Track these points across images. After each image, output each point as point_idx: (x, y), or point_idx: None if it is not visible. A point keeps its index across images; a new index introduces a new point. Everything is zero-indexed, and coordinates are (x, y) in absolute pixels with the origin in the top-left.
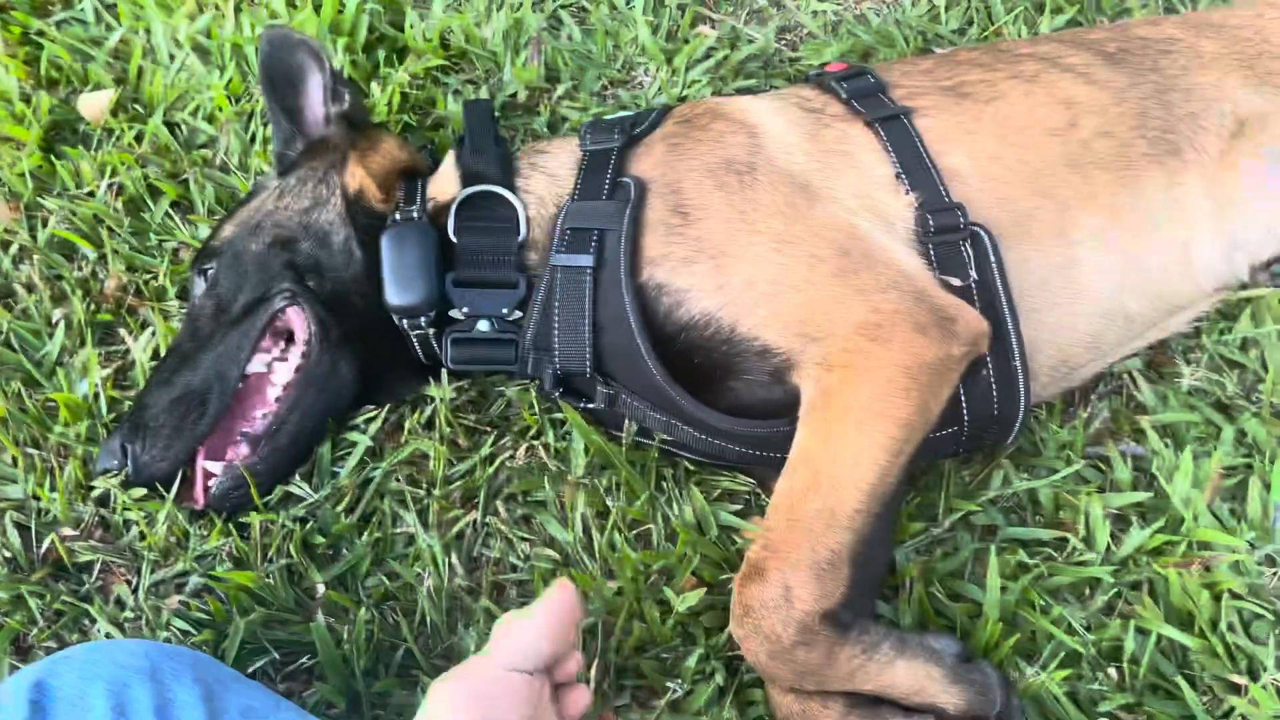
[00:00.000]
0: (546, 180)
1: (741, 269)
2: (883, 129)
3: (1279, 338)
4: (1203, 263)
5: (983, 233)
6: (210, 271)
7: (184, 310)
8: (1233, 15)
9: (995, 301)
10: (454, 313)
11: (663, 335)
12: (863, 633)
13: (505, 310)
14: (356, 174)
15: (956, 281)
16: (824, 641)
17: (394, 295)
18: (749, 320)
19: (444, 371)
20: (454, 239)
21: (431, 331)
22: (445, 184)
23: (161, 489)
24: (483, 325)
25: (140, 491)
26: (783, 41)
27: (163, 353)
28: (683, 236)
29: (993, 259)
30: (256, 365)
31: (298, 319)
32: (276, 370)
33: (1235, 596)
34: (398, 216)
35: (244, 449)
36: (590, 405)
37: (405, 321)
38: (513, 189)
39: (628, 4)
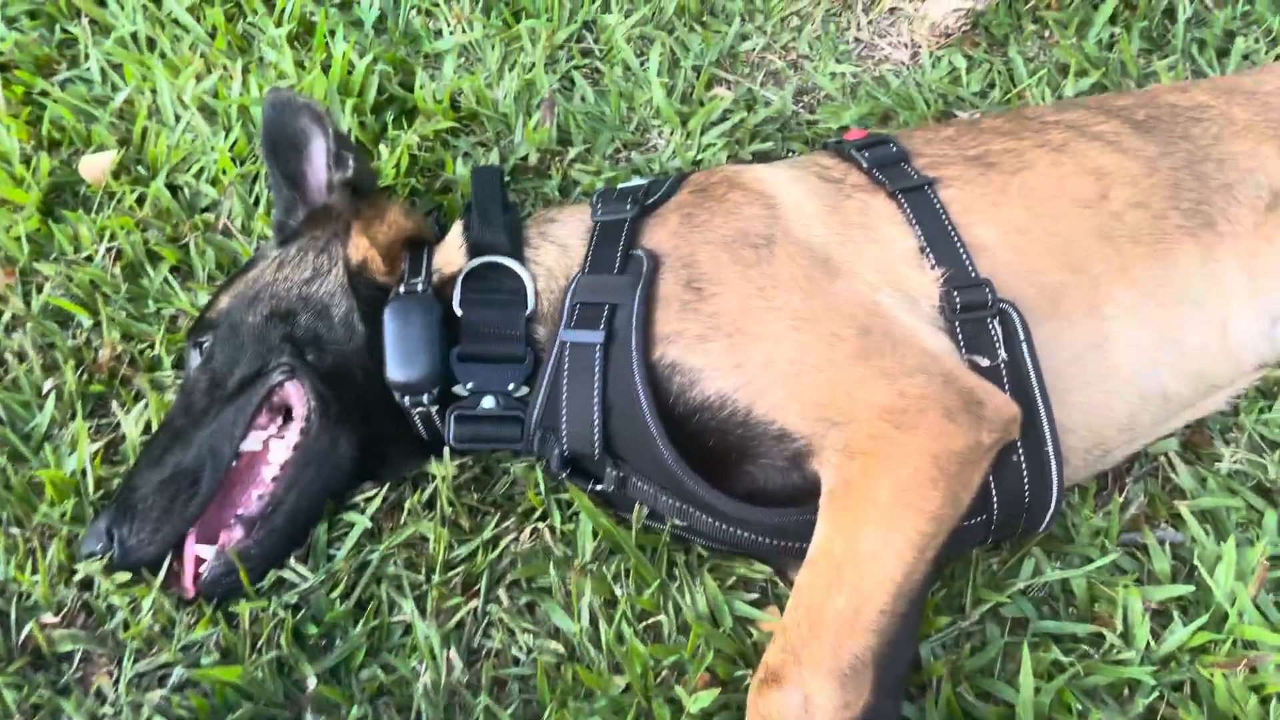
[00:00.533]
0: (557, 251)
1: (759, 348)
2: (906, 200)
3: None
4: (1241, 339)
5: (1011, 310)
6: (205, 344)
7: (179, 382)
8: (1266, 81)
9: (1025, 383)
10: (458, 388)
11: (675, 416)
12: None
13: (511, 386)
14: (360, 244)
15: (985, 362)
16: None
17: (396, 371)
18: (766, 402)
19: (446, 449)
20: (459, 312)
21: (434, 408)
22: (451, 255)
23: (148, 574)
24: (487, 402)
25: (125, 576)
26: (800, 104)
27: (154, 427)
28: (697, 313)
29: (1022, 337)
30: (252, 443)
31: (296, 394)
32: (273, 448)
33: None
34: (402, 289)
35: (238, 532)
36: (599, 487)
37: (407, 398)
38: (521, 260)
39: (642, 65)
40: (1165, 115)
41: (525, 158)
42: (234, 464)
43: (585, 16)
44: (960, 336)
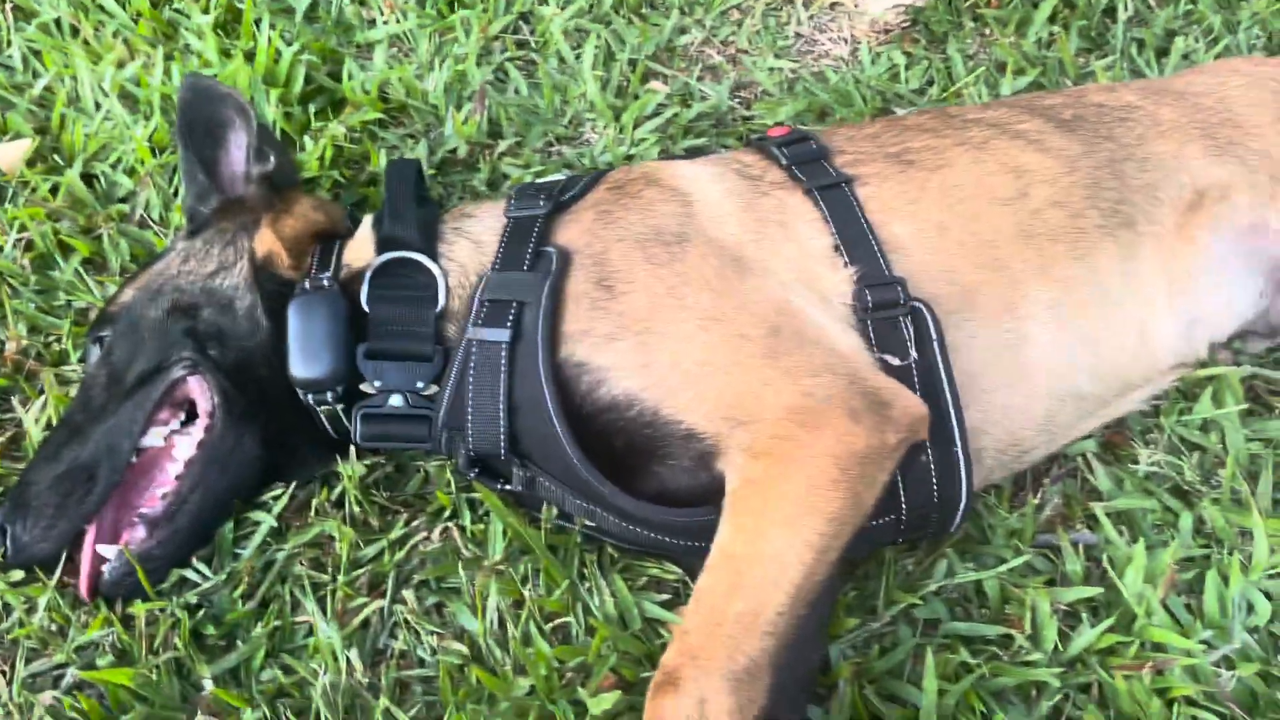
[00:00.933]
0: (470, 247)
1: (667, 347)
2: (823, 198)
3: (1240, 419)
4: (1160, 339)
5: (924, 309)
6: (106, 338)
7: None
8: (1195, 81)
9: (936, 383)
10: (365, 386)
11: (583, 415)
12: None
13: (420, 384)
14: (266, 237)
15: (896, 361)
16: None
17: (299, 368)
18: (673, 402)
19: (353, 448)
20: (367, 308)
21: (340, 406)
22: (361, 249)
23: (42, 572)
24: (395, 400)
25: (18, 574)
26: (737, 99)
27: (55, 424)
28: (606, 311)
29: (934, 336)
30: (153, 439)
31: (200, 390)
32: (178, 445)
33: (1190, 703)
34: (307, 284)
35: (140, 532)
36: (508, 487)
37: (311, 396)
38: (434, 256)
39: (577, 58)
40: (1091, 115)
41: (454, 150)
42: (134, 460)
43: (522, 8)
44: (872, 335)
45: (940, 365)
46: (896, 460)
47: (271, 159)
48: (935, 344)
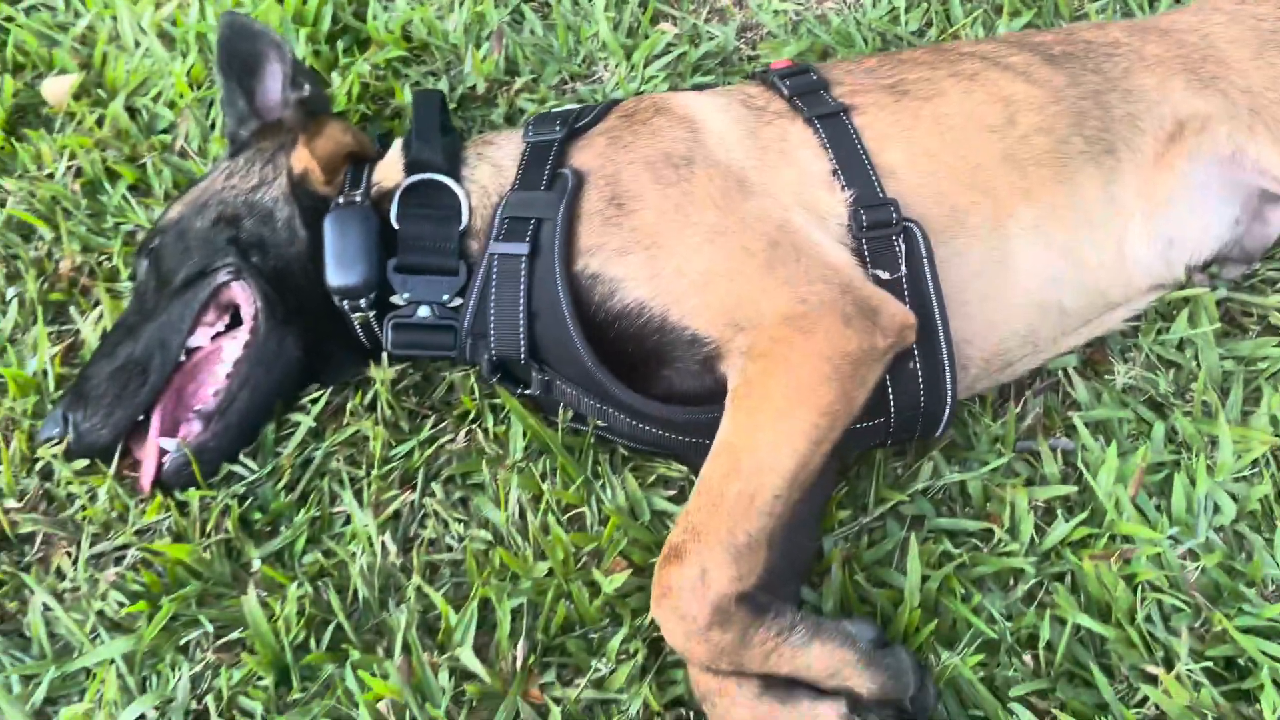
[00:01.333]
0: (492, 170)
1: (674, 259)
2: (822, 126)
3: (1213, 339)
4: (1137, 260)
5: (915, 228)
6: (154, 248)
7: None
8: (1179, 20)
9: (924, 295)
10: (395, 298)
11: (597, 323)
12: (778, 616)
13: (446, 297)
14: (302, 155)
15: (886, 275)
16: (738, 623)
17: (334, 276)
18: (680, 309)
19: (384, 355)
20: (396, 226)
21: (373, 314)
22: (390, 171)
23: (101, 461)
24: (423, 311)
25: (82, 463)
26: (743, 40)
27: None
28: (618, 227)
29: (924, 253)
30: (201, 339)
31: (243, 295)
32: (225, 348)
33: (1155, 589)
34: (340, 200)
35: (196, 426)
36: (527, 391)
37: (346, 303)
38: (458, 178)
39: (589, 0)
40: (1079, 50)
41: (473, 87)
42: (184, 359)
43: None
44: (866, 252)
45: (929, 279)
46: (885, 363)
47: (306, 87)
48: (925, 260)
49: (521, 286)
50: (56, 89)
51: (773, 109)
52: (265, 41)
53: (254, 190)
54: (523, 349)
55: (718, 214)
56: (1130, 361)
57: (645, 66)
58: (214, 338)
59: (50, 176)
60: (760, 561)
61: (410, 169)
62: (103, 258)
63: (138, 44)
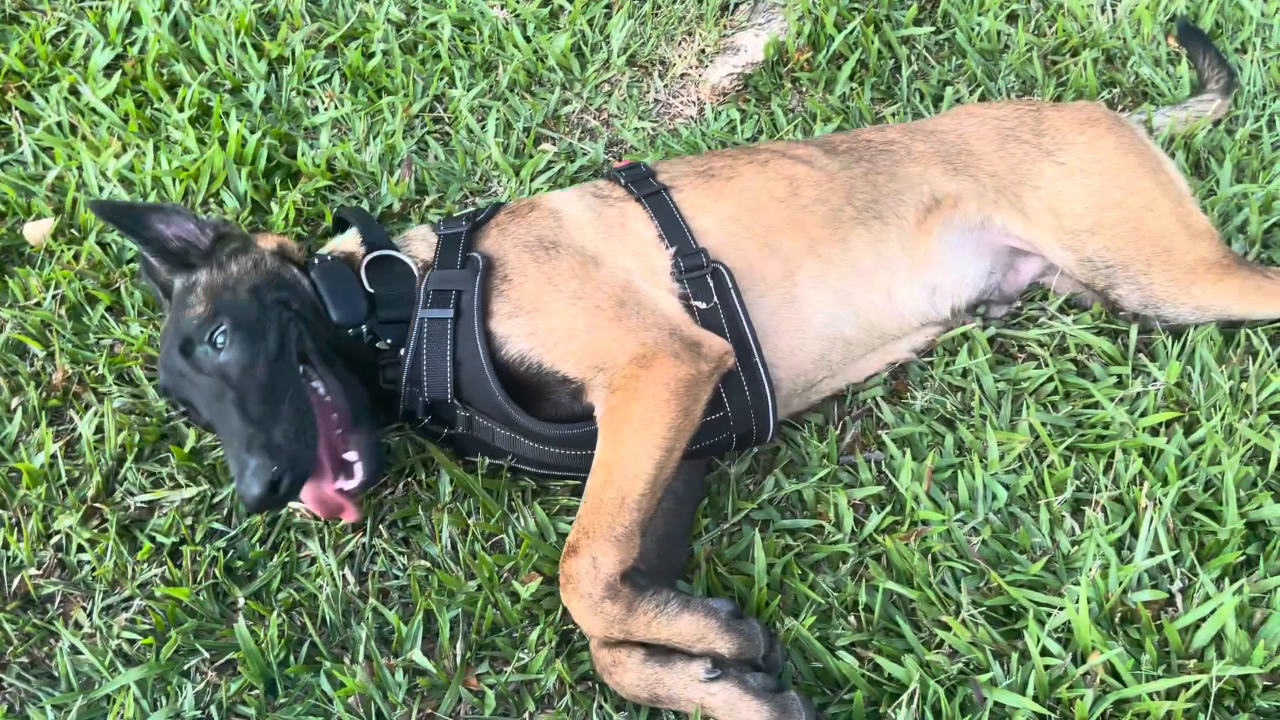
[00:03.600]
0: (423, 247)
1: (548, 320)
2: (648, 202)
3: (988, 366)
4: (904, 301)
5: (722, 269)
6: (221, 329)
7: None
8: (941, 123)
9: (738, 323)
10: (380, 343)
11: (495, 369)
12: (655, 593)
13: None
14: (267, 239)
15: (704, 305)
16: (624, 597)
17: (337, 313)
18: (552, 356)
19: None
20: (370, 290)
21: (369, 339)
22: (349, 245)
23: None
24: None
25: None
26: (610, 153)
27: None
28: (506, 297)
29: (730, 287)
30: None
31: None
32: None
33: (946, 559)
34: (316, 260)
35: (351, 452)
36: (453, 431)
37: (351, 332)
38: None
39: (482, 128)
40: (861, 146)
41: (390, 206)
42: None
43: (435, 91)
44: (688, 288)
45: (738, 307)
46: (713, 383)
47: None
48: (733, 292)
49: (448, 342)
50: (37, 231)
51: (615, 195)
52: (168, 211)
53: (257, 265)
54: (449, 391)
55: (577, 283)
56: (926, 388)
57: (532, 180)
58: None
59: (39, 304)
60: (636, 547)
61: (369, 247)
62: (89, 367)
63: (102, 189)
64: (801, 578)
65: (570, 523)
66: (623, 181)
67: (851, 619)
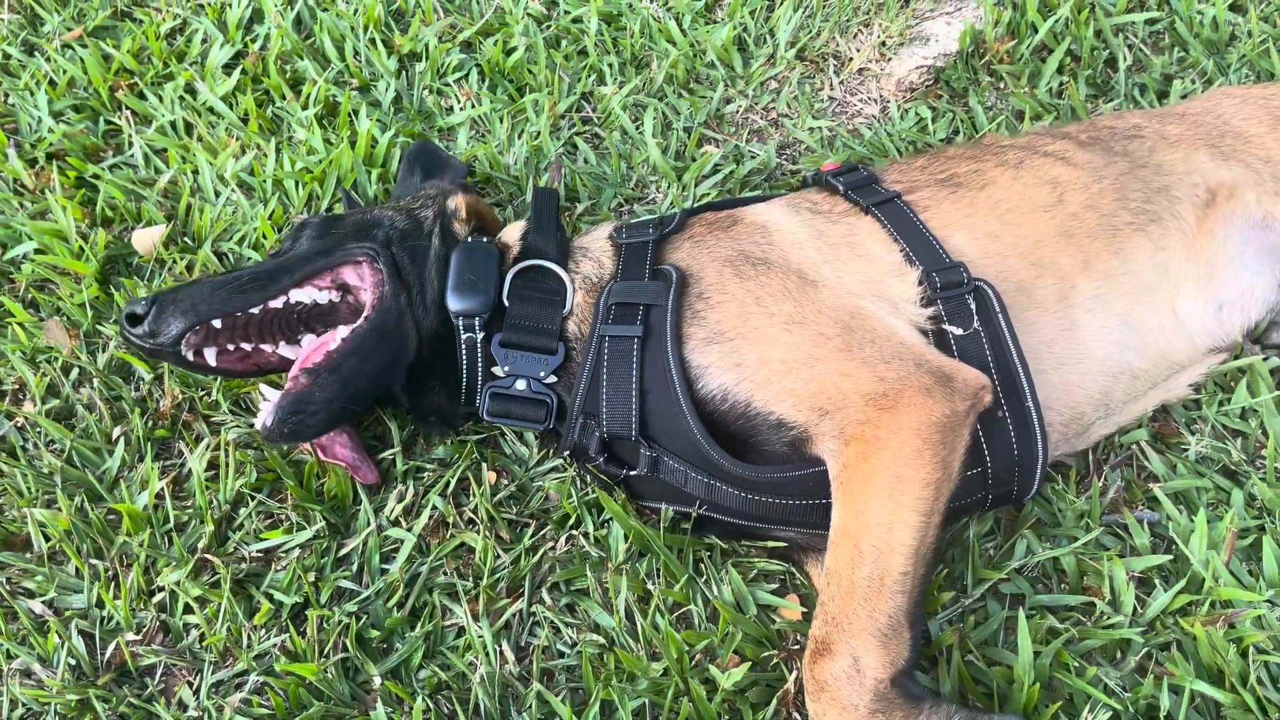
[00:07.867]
0: (593, 265)
1: (755, 348)
2: (881, 213)
3: (1274, 406)
4: (1193, 321)
5: (986, 286)
6: (305, 224)
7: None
8: (1192, 105)
9: (1004, 346)
10: (496, 369)
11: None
12: (935, 707)
13: (543, 374)
14: (458, 197)
15: (960, 331)
16: (899, 710)
17: (454, 299)
18: (763, 395)
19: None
20: (505, 303)
21: (480, 336)
22: (511, 235)
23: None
24: (520, 384)
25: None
26: (783, 156)
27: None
28: (704, 320)
29: (997, 308)
30: (304, 294)
31: (371, 279)
32: (340, 330)
33: (1261, 652)
34: (469, 239)
35: (303, 380)
36: (633, 473)
37: (461, 322)
38: (565, 269)
39: (638, 129)
40: (1104, 135)
41: None
42: (280, 304)
43: (583, 89)
44: (942, 311)
45: (1006, 334)
46: (970, 424)
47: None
48: (999, 314)
49: (634, 365)
50: (146, 239)
51: (837, 210)
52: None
53: (412, 206)
54: (634, 426)
55: (793, 305)
56: (1198, 433)
57: (696, 185)
58: (319, 333)
59: None
60: (906, 642)
61: (525, 253)
62: (202, 393)
63: (218, 194)
64: (1078, 672)
65: (772, 591)
66: (840, 188)
67: None
